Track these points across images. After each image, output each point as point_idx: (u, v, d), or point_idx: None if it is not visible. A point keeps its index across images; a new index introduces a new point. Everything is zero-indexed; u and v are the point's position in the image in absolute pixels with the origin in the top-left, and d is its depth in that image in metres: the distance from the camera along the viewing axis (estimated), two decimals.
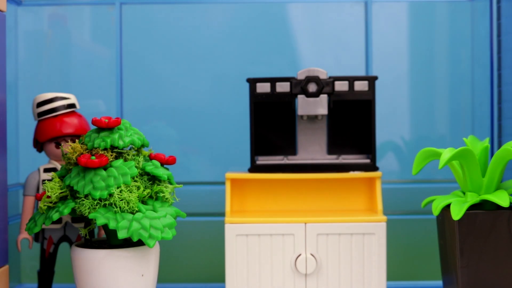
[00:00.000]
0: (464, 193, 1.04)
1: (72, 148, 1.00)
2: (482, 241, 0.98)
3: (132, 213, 0.96)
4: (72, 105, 1.15)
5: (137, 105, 1.36)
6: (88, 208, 0.95)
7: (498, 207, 1.00)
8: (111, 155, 0.99)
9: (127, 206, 0.95)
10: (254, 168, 1.15)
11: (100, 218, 0.94)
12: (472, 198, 0.99)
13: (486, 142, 1.04)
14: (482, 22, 1.33)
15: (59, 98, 1.14)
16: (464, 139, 1.06)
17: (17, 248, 1.14)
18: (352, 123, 1.18)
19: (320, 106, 1.14)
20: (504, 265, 0.99)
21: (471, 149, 0.97)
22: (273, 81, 1.14)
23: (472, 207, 1.00)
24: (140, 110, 1.36)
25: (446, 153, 0.97)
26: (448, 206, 1.03)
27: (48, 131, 1.13)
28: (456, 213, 0.97)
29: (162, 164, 1.04)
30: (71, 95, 1.16)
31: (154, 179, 1.02)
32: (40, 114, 1.14)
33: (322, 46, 1.36)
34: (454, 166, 1.03)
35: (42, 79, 1.34)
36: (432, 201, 1.09)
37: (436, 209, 1.02)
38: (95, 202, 0.95)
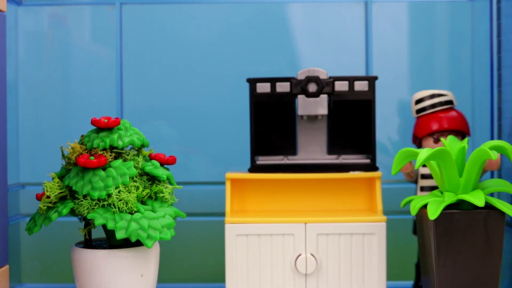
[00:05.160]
0: (442, 193, 1.04)
1: (71, 148, 1.00)
2: (458, 240, 0.98)
3: (131, 213, 0.96)
4: (449, 102, 1.19)
5: (137, 105, 1.36)
6: (87, 209, 0.95)
7: (475, 207, 1.00)
8: (110, 155, 0.99)
9: (126, 206, 0.95)
10: (254, 168, 1.15)
11: (99, 218, 0.94)
12: (449, 198, 0.99)
13: (464, 143, 1.04)
14: (482, 22, 1.33)
15: (436, 95, 1.19)
16: (442, 139, 1.07)
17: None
18: (352, 123, 1.18)
19: (320, 106, 1.14)
20: (481, 265, 0.99)
21: (448, 150, 0.98)
22: (273, 81, 1.14)
23: (450, 206, 1.01)
24: (140, 110, 1.36)
25: (423, 153, 0.97)
26: (426, 206, 1.03)
27: (427, 126, 1.17)
28: (433, 213, 0.97)
29: (162, 164, 1.04)
30: (449, 92, 1.20)
31: (153, 179, 1.02)
32: (419, 111, 1.19)
33: (322, 46, 1.36)
34: (433, 166, 1.03)
35: (42, 79, 1.34)
36: (410, 201, 1.09)
37: (414, 209, 1.02)
38: (94, 202, 0.95)
